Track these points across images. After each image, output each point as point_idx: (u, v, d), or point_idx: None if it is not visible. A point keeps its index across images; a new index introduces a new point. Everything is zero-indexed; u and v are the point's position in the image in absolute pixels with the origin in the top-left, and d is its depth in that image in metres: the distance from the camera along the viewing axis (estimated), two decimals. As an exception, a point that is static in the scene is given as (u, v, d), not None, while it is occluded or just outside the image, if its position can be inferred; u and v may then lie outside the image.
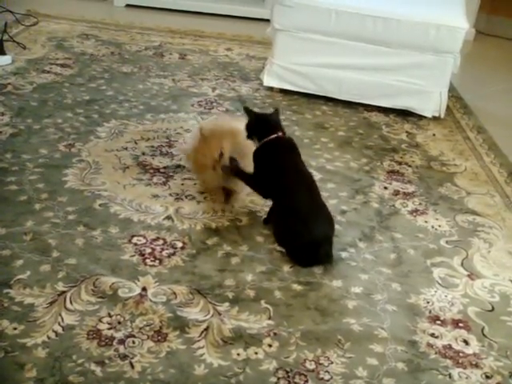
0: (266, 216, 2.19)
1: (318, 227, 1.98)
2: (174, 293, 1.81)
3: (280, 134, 2.10)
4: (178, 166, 2.50)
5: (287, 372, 1.58)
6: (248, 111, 2.17)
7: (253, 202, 2.30)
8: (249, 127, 2.15)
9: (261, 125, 2.13)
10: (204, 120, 2.92)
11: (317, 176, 2.53)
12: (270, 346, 1.66)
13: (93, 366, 1.53)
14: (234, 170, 2.15)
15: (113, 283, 1.82)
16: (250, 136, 2.14)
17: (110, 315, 1.70)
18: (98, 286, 1.80)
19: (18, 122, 2.73)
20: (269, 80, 3.35)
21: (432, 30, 3.06)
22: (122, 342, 1.62)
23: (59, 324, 1.65)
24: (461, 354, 1.71)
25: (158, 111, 2.99)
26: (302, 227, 1.95)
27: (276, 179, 2.03)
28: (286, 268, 1.97)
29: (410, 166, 2.73)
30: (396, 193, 2.49)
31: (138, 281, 1.84)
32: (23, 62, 3.40)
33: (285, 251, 2.02)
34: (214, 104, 3.15)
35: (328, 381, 1.57)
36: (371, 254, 2.09)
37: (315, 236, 1.96)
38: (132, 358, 1.57)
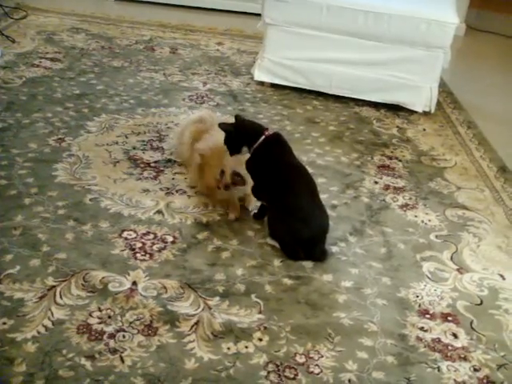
0: (256, 211, 2.19)
1: (317, 224, 2.00)
2: (165, 287, 1.81)
3: (266, 133, 2.04)
4: (169, 161, 2.50)
5: (277, 366, 1.59)
6: (223, 127, 2.07)
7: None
8: (233, 141, 2.06)
9: (243, 134, 2.06)
10: (193, 113, 2.89)
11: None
12: (260, 340, 1.67)
13: (83, 361, 1.54)
14: (237, 185, 2.13)
15: (103, 277, 1.82)
16: (235, 151, 2.06)
17: (100, 309, 1.70)
18: (88, 280, 1.80)
19: (7, 117, 2.71)
20: (260, 74, 3.35)
21: (423, 25, 3.07)
22: (112, 336, 1.62)
23: (49, 319, 1.65)
24: (449, 348, 1.72)
25: (149, 105, 2.99)
26: (302, 224, 1.96)
27: (275, 181, 2.01)
28: (277, 262, 1.98)
29: (400, 160, 2.74)
30: (386, 187, 2.50)
31: (129, 275, 1.84)
32: (12, 55, 3.38)
33: (278, 246, 2.02)
34: (205, 98, 3.14)
35: (318, 374, 1.58)
36: (361, 249, 2.10)
37: (314, 232, 1.98)
38: (122, 352, 1.57)
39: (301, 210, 1.98)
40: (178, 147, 2.51)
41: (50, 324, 1.63)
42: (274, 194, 2.03)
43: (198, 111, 2.85)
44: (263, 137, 2.04)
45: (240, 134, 2.06)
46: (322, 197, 2.32)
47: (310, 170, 2.50)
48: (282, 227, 2.00)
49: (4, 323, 1.62)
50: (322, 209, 2.03)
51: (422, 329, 1.78)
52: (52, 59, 3.40)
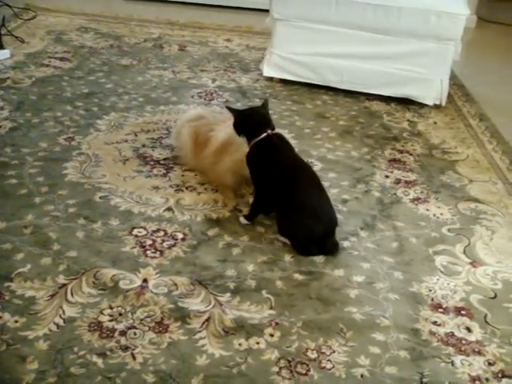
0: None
1: (327, 217, 2.00)
2: (175, 284, 1.81)
3: (269, 131, 2.05)
4: (178, 158, 2.49)
5: (289, 361, 1.58)
6: (231, 110, 2.13)
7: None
8: (236, 126, 2.11)
9: (247, 123, 2.09)
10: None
11: (318, 166, 2.53)
12: (271, 335, 1.66)
13: (94, 358, 1.54)
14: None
15: (114, 275, 1.82)
16: (239, 134, 2.11)
17: (111, 307, 1.70)
18: (98, 278, 1.80)
19: (17, 116, 2.72)
20: (269, 70, 3.34)
21: (433, 17, 3.04)
22: (123, 333, 1.62)
23: (60, 316, 1.65)
24: (463, 342, 1.70)
25: (158, 103, 2.99)
26: (313, 219, 1.95)
27: (278, 181, 2.00)
28: (288, 258, 1.97)
29: (411, 154, 2.72)
30: (397, 181, 2.49)
31: (139, 272, 1.84)
32: (22, 55, 3.40)
33: (289, 243, 2.02)
34: (214, 95, 3.14)
35: (330, 370, 1.57)
36: (373, 243, 2.09)
37: (325, 226, 1.98)
38: (133, 350, 1.57)
39: (310, 205, 1.97)
40: (179, 152, 2.48)
41: (61, 322, 1.64)
42: (279, 192, 2.02)
43: (193, 109, 2.84)
44: (266, 133, 2.04)
45: (244, 122, 2.09)
46: (333, 191, 2.33)
47: (320, 165, 2.53)
48: (293, 225, 1.99)
49: (16, 321, 1.63)
50: (329, 202, 2.02)
51: (435, 323, 1.76)
52: (61, 59, 3.42)
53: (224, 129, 2.27)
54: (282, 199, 2.02)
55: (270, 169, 2.03)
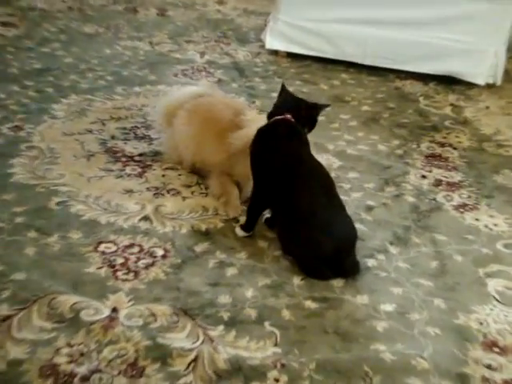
0: (269, 215, 2.19)
1: (341, 231, 1.99)
2: (154, 314, 1.80)
3: (280, 117, 2.08)
4: (158, 153, 2.51)
5: (300, 415, 1.59)
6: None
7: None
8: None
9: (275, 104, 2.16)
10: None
11: (335, 163, 2.54)
12: (276, 380, 1.65)
13: (48, 413, 1.54)
14: None
15: (74, 303, 1.81)
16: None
17: (70, 345, 1.69)
18: (54, 307, 1.79)
19: None
20: (272, 41, 3.36)
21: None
22: (85, 379, 1.61)
23: (3, 359, 1.64)
24: (526, 391, 1.70)
25: (132, 83, 3.00)
26: (322, 234, 1.95)
27: (278, 182, 2.02)
28: (297, 280, 1.97)
29: (455, 148, 2.74)
30: (437, 183, 2.50)
31: (107, 300, 1.84)
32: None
33: (297, 263, 2.02)
34: (203, 73, 3.15)
35: (352, 425, 1.57)
36: (406, 262, 2.09)
37: (339, 242, 1.97)
38: (99, 400, 1.57)
39: (317, 215, 1.96)
40: (167, 144, 2.49)
41: (3, 366, 1.63)
42: (279, 197, 2.02)
43: (191, 85, 2.84)
44: (273, 119, 2.08)
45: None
46: (355, 196, 2.33)
47: (338, 163, 2.53)
48: (297, 241, 2.00)
49: None
50: (343, 211, 2.03)
51: (489, 367, 1.75)
52: (4, 24, 3.42)
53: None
54: (284, 206, 2.03)
55: (270, 164, 2.04)
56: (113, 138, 2.59)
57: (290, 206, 2.00)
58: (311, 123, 2.12)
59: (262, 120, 2.17)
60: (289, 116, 2.09)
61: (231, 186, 2.31)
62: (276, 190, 2.03)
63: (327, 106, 2.20)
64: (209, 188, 2.34)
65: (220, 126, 2.30)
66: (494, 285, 2.03)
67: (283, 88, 2.17)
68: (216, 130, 2.31)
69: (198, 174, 2.42)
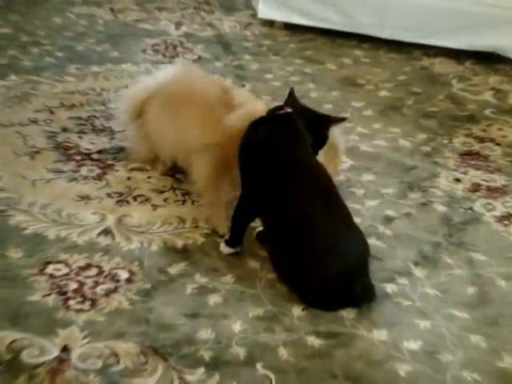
0: (262, 228, 2.18)
1: (349, 248, 1.98)
2: (116, 354, 1.78)
3: (278, 110, 2.13)
4: (122, 150, 2.50)
5: None
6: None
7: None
8: None
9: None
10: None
11: (346, 163, 2.53)
12: None
13: None
14: None
15: (12, 341, 1.78)
16: None
17: (8, 394, 1.68)
18: (-12, 345, 1.78)
19: None
20: (267, 9, 3.36)
21: None
22: None
23: None
24: None
25: (88, 61, 3.00)
26: (324, 251, 1.95)
27: (268, 187, 2.03)
28: (297, 311, 1.96)
29: (498, 144, 2.75)
30: (475, 188, 2.50)
31: (56, 336, 1.81)
32: None
33: (296, 291, 2.01)
34: (180, 49, 3.15)
35: None
36: (435, 288, 2.08)
37: (347, 262, 1.96)
38: None
39: (318, 230, 1.96)
40: (137, 142, 2.49)
41: None
42: (269, 207, 2.03)
43: (162, 69, 2.82)
44: (270, 111, 2.14)
45: None
46: (370, 204, 2.33)
47: (348, 162, 2.52)
48: (292, 263, 1.99)
49: None
50: (351, 223, 2.03)
51: (541, 421, 1.75)
52: None
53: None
54: (275, 217, 2.03)
55: (260, 163, 2.05)
56: (64, 130, 2.59)
57: (283, 217, 2.01)
58: (321, 139, 2.16)
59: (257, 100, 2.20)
60: (289, 110, 2.12)
61: (224, 185, 2.30)
62: (266, 195, 2.03)
63: (343, 119, 2.22)
64: (196, 181, 2.32)
65: (206, 105, 2.29)
66: (545, 317, 2.03)
67: (291, 94, 2.20)
68: (201, 111, 2.30)
69: (174, 176, 2.40)
